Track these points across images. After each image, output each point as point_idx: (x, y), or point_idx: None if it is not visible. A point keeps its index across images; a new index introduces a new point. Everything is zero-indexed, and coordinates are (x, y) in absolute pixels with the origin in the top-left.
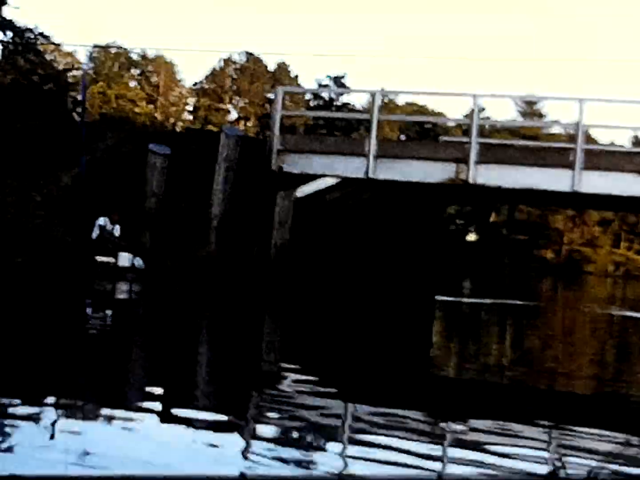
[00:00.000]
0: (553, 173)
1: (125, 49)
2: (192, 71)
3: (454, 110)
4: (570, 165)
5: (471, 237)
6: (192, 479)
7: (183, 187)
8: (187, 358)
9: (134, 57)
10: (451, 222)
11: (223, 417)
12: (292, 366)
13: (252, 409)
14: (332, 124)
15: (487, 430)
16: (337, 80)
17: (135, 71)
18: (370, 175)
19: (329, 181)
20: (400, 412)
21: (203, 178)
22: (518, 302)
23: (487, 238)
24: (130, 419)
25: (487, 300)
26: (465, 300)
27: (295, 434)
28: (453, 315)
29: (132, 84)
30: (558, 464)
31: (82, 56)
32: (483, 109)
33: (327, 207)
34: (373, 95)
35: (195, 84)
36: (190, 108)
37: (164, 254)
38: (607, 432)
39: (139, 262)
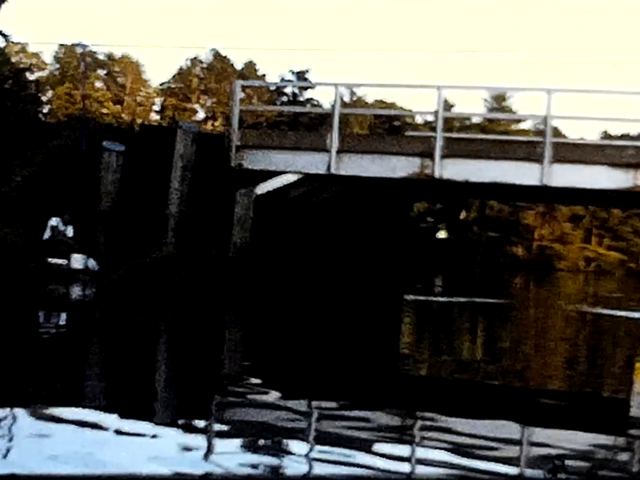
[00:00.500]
0: (521, 167)
1: (91, 50)
2: (159, 71)
3: (423, 108)
4: (539, 159)
5: (441, 234)
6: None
7: (139, 185)
8: (144, 362)
9: (101, 57)
10: (421, 219)
11: (184, 421)
12: (255, 369)
13: (215, 411)
14: (296, 122)
15: (456, 430)
16: (301, 76)
17: (101, 72)
18: (333, 171)
19: (290, 178)
20: (367, 413)
21: (159, 176)
22: (489, 301)
23: (458, 235)
24: (88, 423)
25: (458, 299)
26: (435, 299)
27: (259, 437)
28: (422, 314)
29: (99, 84)
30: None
31: (48, 57)
32: (452, 106)
33: (289, 205)
34: (335, 87)
35: (162, 83)
36: (158, 108)
37: (119, 255)
38: (577, 431)
39: (92, 263)
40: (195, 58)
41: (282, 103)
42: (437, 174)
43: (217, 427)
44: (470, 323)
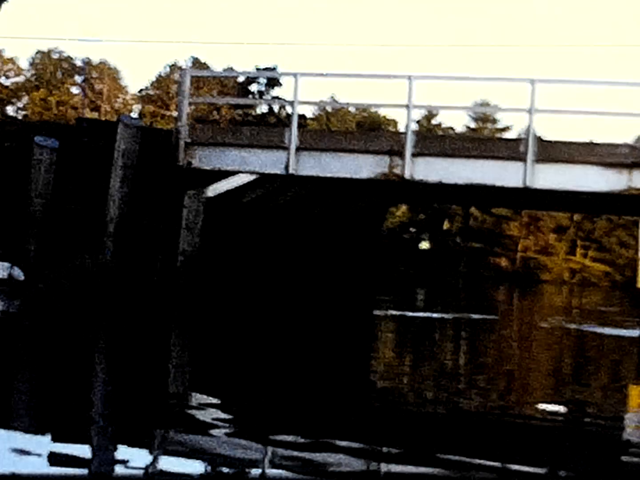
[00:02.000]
0: (502, 166)
1: (68, 55)
2: (137, 77)
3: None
4: (522, 157)
5: (424, 245)
6: None
7: (74, 186)
8: (73, 384)
9: (78, 63)
10: (404, 230)
11: (119, 452)
12: (204, 394)
13: (157, 442)
14: (262, 121)
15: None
16: (270, 76)
17: (78, 78)
18: (291, 170)
19: (245, 178)
20: (329, 445)
21: (98, 176)
22: (471, 316)
23: (441, 246)
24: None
25: (439, 314)
26: (413, 314)
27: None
28: (391, 332)
29: (75, 90)
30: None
31: (24, 62)
32: (436, 114)
33: (244, 209)
34: (295, 77)
35: (141, 90)
36: (135, 115)
37: (51, 264)
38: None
39: (17, 272)
40: (174, 65)
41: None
42: (407, 174)
43: (157, 461)
44: (447, 344)
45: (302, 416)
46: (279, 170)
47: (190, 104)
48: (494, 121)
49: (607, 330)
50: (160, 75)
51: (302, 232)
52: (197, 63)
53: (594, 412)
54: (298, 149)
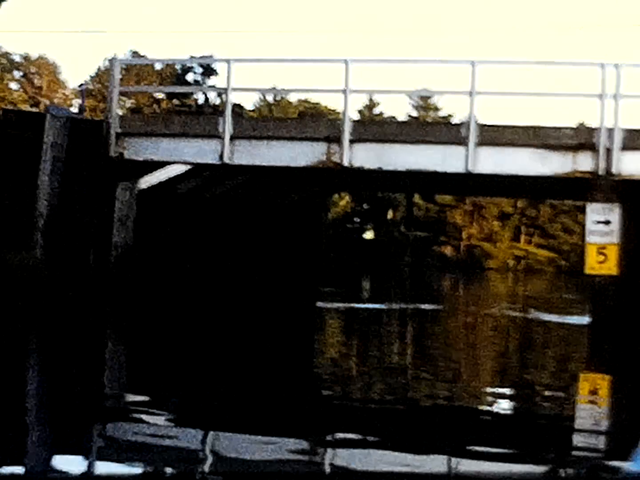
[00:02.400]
0: (444, 151)
1: (5, 51)
2: (77, 72)
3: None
4: (463, 142)
5: (368, 235)
6: None
7: (1, 180)
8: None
9: (16, 58)
10: (348, 220)
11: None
12: (140, 391)
13: (95, 446)
14: (199, 111)
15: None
16: (203, 62)
17: (17, 73)
18: (226, 160)
19: (178, 169)
20: (272, 439)
21: (26, 169)
22: (418, 307)
23: (385, 236)
24: None
25: (383, 306)
26: (358, 305)
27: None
28: (333, 325)
29: (14, 86)
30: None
31: None
32: (377, 104)
33: (179, 200)
34: (228, 63)
35: (81, 85)
36: (75, 110)
37: None
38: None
39: None
40: (113, 58)
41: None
42: (345, 162)
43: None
44: (393, 336)
45: (242, 410)
46: (213, 159)
47: (122, 93)
48: (436, 109)
49: (555, 318)
50: (100, 70)
51: (240, 224)
52: (136, 56)
53: (541, 401)
54: (232, 138)
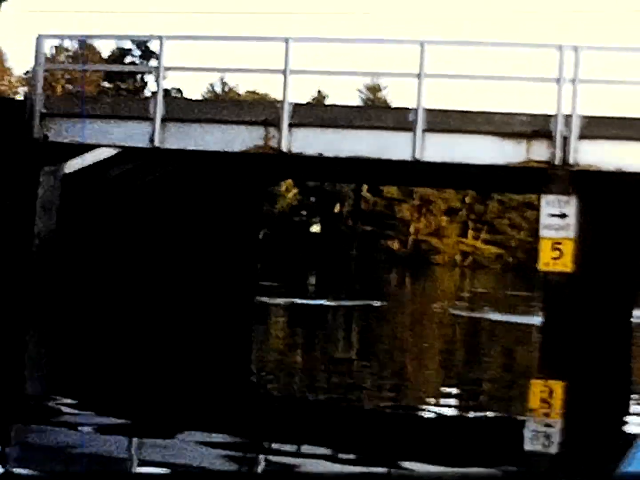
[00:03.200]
0: (389, 137)
1: None
2: (23, 59)
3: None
4: (410, 128)
5: (315, 228)
6: None
7: None
8: None
9: None
10: (295, 213)
11: None
12: (63, 393)
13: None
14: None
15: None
16: (142, 45)
17: None
18: (157, 143)
19: (107, 152)
20: (208, 438)
21: None
22: (363, 303)
23: (332, 229)
24: None
25: (328, 302)
26: (302, 301)
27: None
28: (276, 322)
29: None
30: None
31: None
32: (327, 96)
33: (108, 187)
34: (160, 40)
35: (27, 72)
36: (21, 97)
37: None
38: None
39: None
40: (59, 46)
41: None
42: (284, 147)
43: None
44: (337, 334)
45: (172, 410)
46: (143, 143)
47: (47, 71)
48: (379, 89)
49: (505, 317)
50: (46, 56)
51: (174, 213)
52: (83, 43)
53: (485, 403)
54: (164, 120)
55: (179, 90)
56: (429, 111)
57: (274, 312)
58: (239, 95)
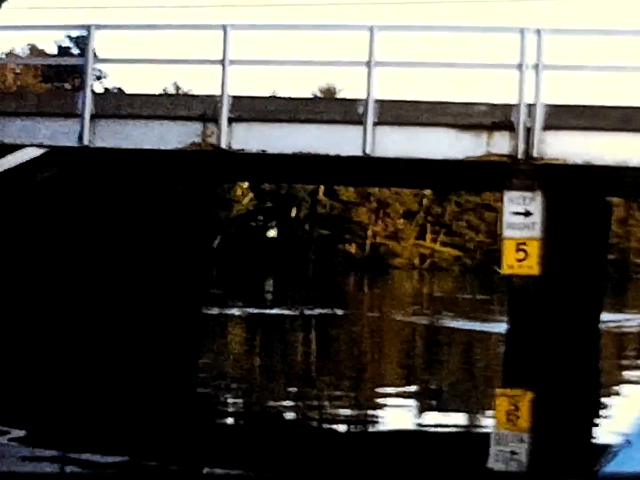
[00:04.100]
0: (337, 132)
1: None
2: None
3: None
4: (360, 120)
5: (271, 233)
6: None
7: None
8: None
9: None
10: (251, 218)
11: None
12: None
13: None
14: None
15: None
16: (80, 42)
17: None
18: (86, 142)
19: (33, 153)
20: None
21: None
22: (323, 312)
23: (289, 234)
24: None
25: (285, 311)
26: (255, 310)
27: None
28: (222, 336)
29: None
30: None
31: None
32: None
33: (36, 190)
34: (88, 30)
35: None
36: None
37: None
38: None
39: None
40: (10, 52)
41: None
42: (224, 144)
43: None
44: (292, 346)
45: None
46: (71, 142)
47: None
48: (334, 92)
49: (468, 325)
50: None
51: (108, 219)
52: (34, 50)
53: (446, 415)
54: (94, 117)
55: (120, 90)
56: (380, 102)
57: (225, 324)
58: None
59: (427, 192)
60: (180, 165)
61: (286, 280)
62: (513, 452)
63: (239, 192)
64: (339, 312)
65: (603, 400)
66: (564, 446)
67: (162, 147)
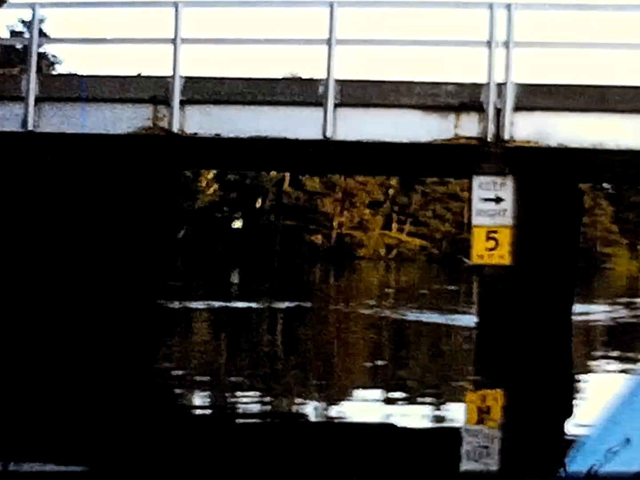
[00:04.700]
0: (296, 114)
1: None
2: None
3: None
4: (320, 102)
5: (237, 224)
6: None
7: None
8: None
9: None
10: (217, 209)
11: None
12: None
13: None
14: None
15: None
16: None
17: None
18: (31, 127)
19: None
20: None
21: None
22: (286, 305)
23: (255, 225)
24: None
25: (249, 304)
26: (218, 304)
27: None
28: (174, 332)
29: None
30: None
31: None
32: None
33: None
34: (32, 8)
35: None
36: None
37: None
38: None
39: None
40: None
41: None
42: (175, 128)
43: None
44: (255, 342)
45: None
46: (14, 126)
47: None
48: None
49: (436, 318)
50: None
51: (60, 206)
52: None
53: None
54: (39, 100)
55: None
56: (342, 82)
57: (187, 319)
58: None
59: (393, 181)
60: (132, 152)
61: (252, 272)
62: (484, 451)
63: (203, 182)
64: (306, 304)
65: (575, 394)
66: (535, 443)
67: (112, 132)
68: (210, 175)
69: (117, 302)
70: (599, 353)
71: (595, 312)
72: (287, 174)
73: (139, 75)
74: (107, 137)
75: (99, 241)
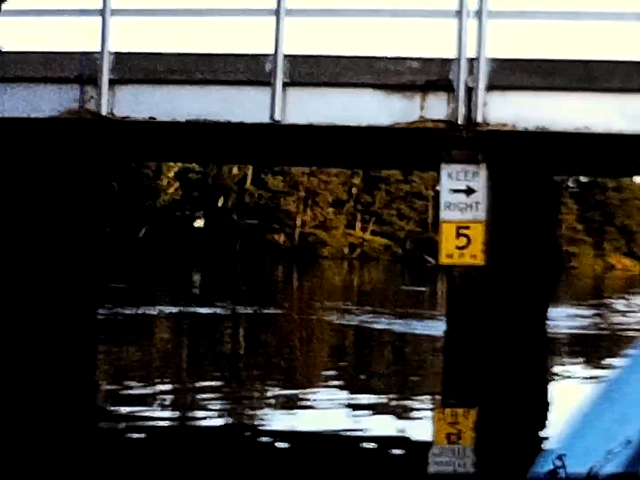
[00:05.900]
0: (240, 94)
1: None
2: None
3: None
4: (268, 81)
5: (198, 223)
6: None
7: None
8: None
9: None
10: (178, 208)
11: None
12: None
13: None
14: None
15: None
16: None
17: None
18: None
19: None
20: None
21: None
22: (243, 311)
23: (217, 224)
24: None
25: (209, 309)
26: (176, 309)
27: None
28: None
29: None
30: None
31: None
32: None
33: None
34: None
35: None
36: None
37: None
38: None
39: None
40: None
41: None
42: (104, 110)
43: None
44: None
45: None
46: None
47: None
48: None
49: (402, 327)
50: None
51: None
52: None
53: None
54: None
55: None
56: (292, 58)
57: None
58: None
59: (357, 180)
60: (57, 138)
61: (214, 273)
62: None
63: (164, 181)
64: (268, 310)
65: (549, 406)
66: (507, 458)
67: (34, 115)
68: (172, 173)
69: (48, 310)
70: (571, 359)
71: (566, 317)
72: (249, 172)
73: (64, 51)
74: (29, 121)
75: (22, 241)
